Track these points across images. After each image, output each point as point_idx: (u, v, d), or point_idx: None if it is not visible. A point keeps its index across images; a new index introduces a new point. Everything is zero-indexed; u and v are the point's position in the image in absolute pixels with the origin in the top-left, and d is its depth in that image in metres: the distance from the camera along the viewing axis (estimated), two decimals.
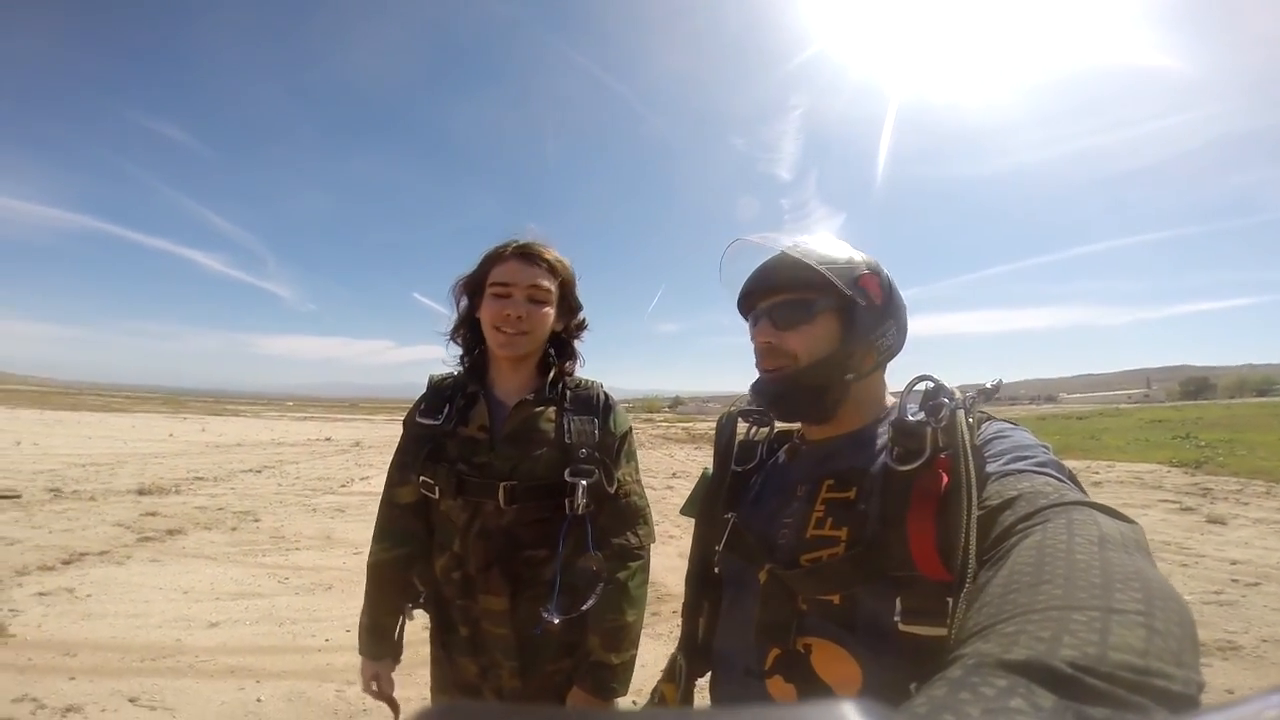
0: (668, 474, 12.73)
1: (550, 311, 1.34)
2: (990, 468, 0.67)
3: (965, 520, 0.60)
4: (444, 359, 1.47)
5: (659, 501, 8.29)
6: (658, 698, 1.03)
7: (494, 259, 1.34)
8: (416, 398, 1.44)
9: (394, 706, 1.44)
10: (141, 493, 8.22)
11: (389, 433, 26.16)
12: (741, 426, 1.04)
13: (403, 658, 1.44)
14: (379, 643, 1.39)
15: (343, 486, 9.89)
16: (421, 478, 1.30)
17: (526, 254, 1.33)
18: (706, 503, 1.01)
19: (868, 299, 0.84)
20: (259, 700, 2.87)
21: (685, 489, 9.25)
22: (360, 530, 6.63)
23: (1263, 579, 4.81)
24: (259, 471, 11.33)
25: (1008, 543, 0.54)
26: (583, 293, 1.46)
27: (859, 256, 0.86)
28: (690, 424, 46.26)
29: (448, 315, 1.45)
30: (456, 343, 1.46)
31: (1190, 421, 24.04)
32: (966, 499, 0.61)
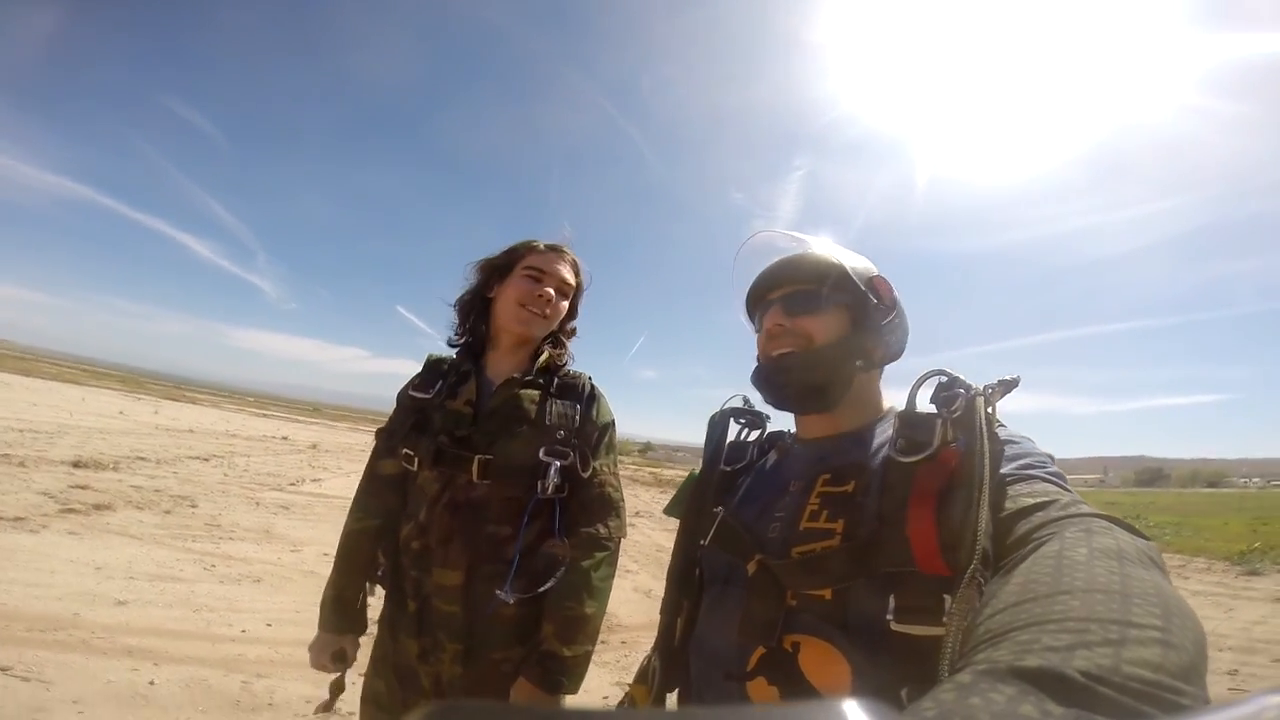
0: (631, 512, 12.48)
1: (565, 308, 1.42)
2: (1004, 469, 0.65)
3: (976, 498, 0.57)
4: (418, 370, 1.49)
5: None
6: (628, 701, 0.97)
7: (528, 249, 1.41)
8: (382, 409, 1.48)
9: (337, 687, 1.35)
10: (76, 465, 7.76)
11: (348, 440, 25.50)
12: (733, 428, 1.01)
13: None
14: (341, 614, 1.35)
15: (291, 485, 9.55)
16: (404, 449, 1.32)
17: (559, 251, 1.42)
18: (694, 499, 0.96)
19: (880, 298, 0.85)
20: (151, 683, 2.61)
21: (648, 527, 9.05)
22: (303, 529, 6.37)
23: None
24: (206, 459, 10.87)
25: (1023, 550, 0.52)
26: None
27: (871, 264, 0.89)
28: (658, 469, 45.99)
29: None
30: (459, 315, 1.48)
31: (1142, 505, 25.08)
32: (979, 479, 0.59)
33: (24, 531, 4.57)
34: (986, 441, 0.62)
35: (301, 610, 3.81)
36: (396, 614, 1.31)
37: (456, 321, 1.48)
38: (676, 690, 0.88)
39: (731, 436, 1.01)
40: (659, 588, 0.99)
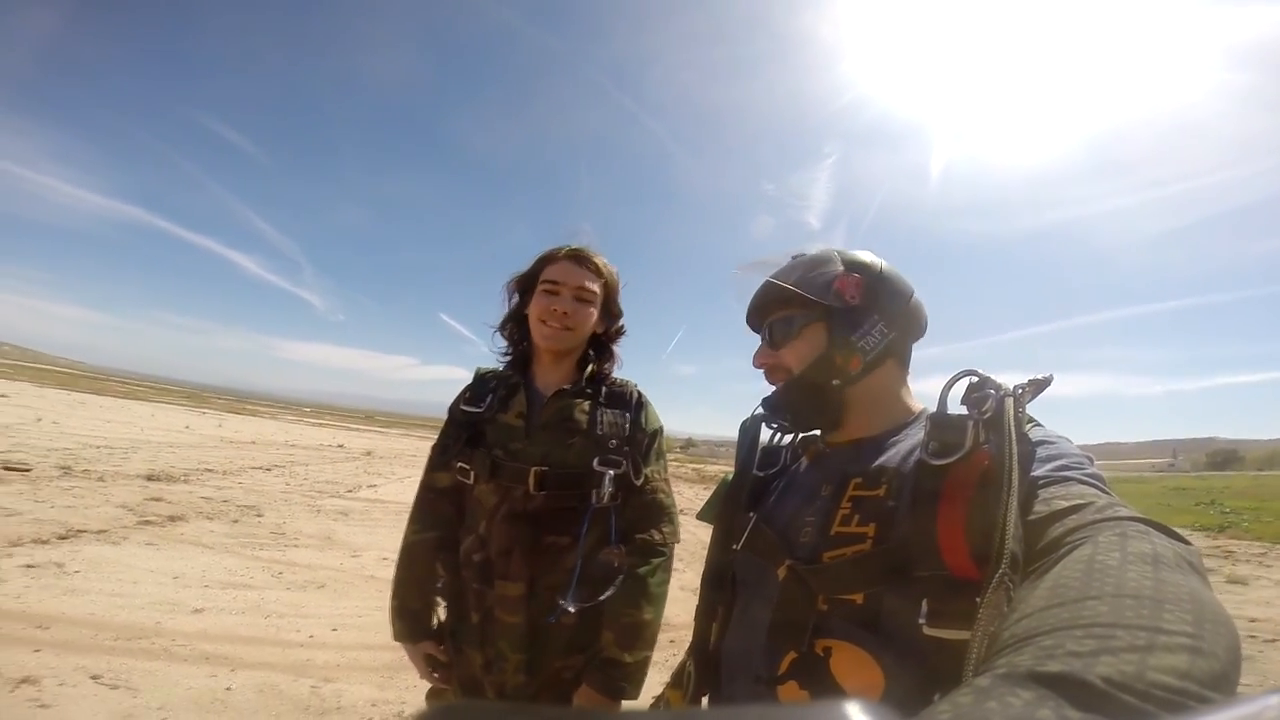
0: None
1: (593, 313, 1.40)
2: (1037, 471, 0.64)
3: (1005, 501, 0.56)
4: (466, 377, 1.52)
5: None
6: (663, 704, 1.00)
7: (547, 259, 1.41)
8: (432, 415, 1.45)
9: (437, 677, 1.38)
10: (150, 478, 8.21)
11: (400, 446, 26.21)
12: (765, 433, 1.01)
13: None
14: (408, 624, 1.38)
15: (349, 491, 9.86)
16: (459, 463, 1.34)
17: (577, 257, 1.40)
18: (726, 505, 0.97)
19: (843, 301, 0.83)
20: (229, 689, 2.74)
21: (693, 525, 9.04)
22: (362, 535, 6.56)
23: None
24: (269, 469, 11.34)
25: (1055, 554, 0.51)
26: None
27: (841, 259, 0.86)
28: (701, 465, 45.83)
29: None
30: (504, 336, 1.50)
31: (1216, 490, 23.76)
32: (1008, 481, 0.58)
33: (107, 544, 4.84)
34: (1015, 443, 0.61)
35: (364, 615, 3.93)
36: (459, 626, 1.34)
37: (504, 343, 1.50)
38: (709, 694, 0.89)
39: (765, 440, 1.02)
40: None
